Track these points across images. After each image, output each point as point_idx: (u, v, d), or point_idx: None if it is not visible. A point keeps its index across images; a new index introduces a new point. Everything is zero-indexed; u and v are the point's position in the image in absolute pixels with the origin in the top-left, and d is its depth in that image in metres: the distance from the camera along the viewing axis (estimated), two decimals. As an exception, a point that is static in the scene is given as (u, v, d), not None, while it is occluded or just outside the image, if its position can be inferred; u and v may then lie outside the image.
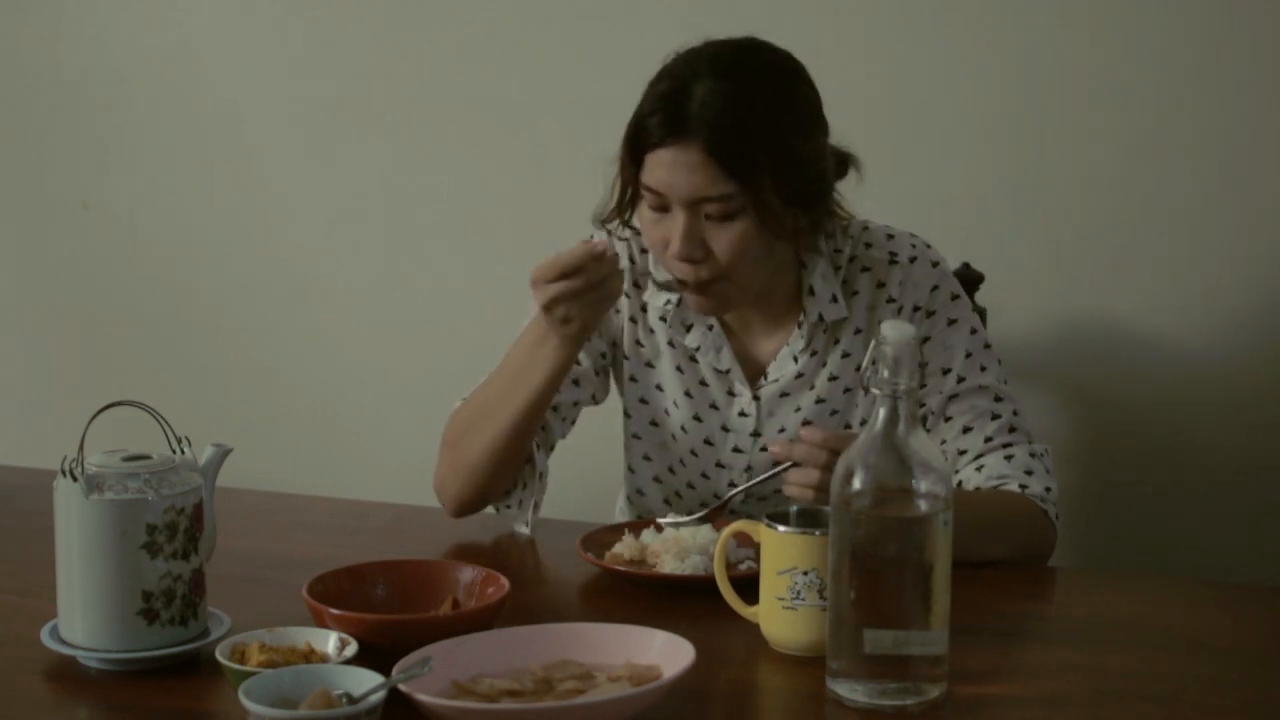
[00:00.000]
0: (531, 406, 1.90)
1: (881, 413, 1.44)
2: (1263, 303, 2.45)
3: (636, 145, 1.86)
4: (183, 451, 1.59)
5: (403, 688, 1.36)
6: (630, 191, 1.90)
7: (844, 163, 1.95)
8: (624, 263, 2.04)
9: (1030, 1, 2.49)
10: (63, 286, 3.17)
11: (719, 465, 2.05)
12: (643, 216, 1.90)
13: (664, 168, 1.83)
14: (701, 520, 1.87)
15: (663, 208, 1.86)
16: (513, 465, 1.96)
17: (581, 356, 2.03)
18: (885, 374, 1.44)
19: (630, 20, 2.69)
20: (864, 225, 2.00)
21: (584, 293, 1.79)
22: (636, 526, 1.88)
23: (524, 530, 1.98)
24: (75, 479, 1.51)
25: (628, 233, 2.04)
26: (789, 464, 1.75)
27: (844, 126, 1.93)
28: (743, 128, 1.81)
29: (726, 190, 1.82)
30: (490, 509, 2.01)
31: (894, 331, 1.44)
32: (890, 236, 1.99)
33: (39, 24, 3.08)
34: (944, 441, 1.94)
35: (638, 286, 2.05)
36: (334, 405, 3.00)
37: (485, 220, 2.85)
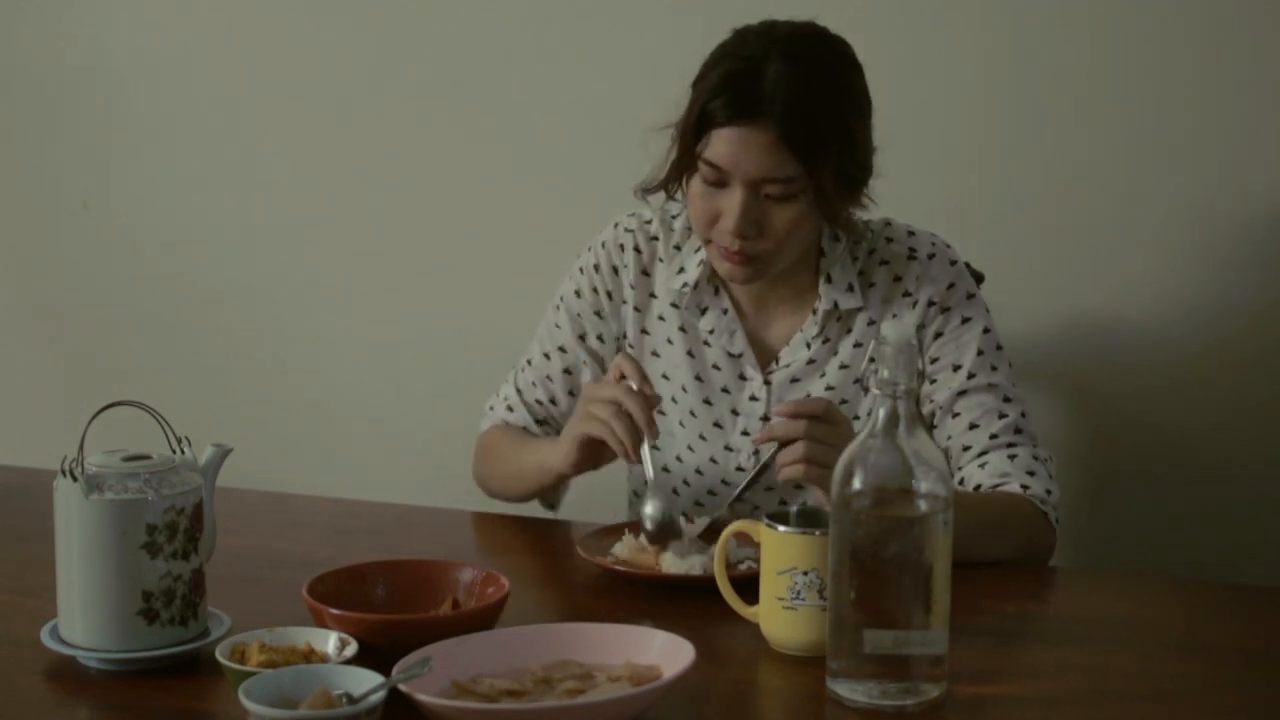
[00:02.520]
0: (540, 489, 2.05)
1: (881, 413, 1.44)
2: (1264, 303, 2.45)
3: (702, 121, 1.86)
4: (183, 451, 1.59)
5: (403, 688, 1.36)
6: (683, 165, 1.91)
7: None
8: (630, 253, 2.06)
9: (1030, 1, 2.49)
10: (63, 286, 3.16)
11: (727, 449, 2.05)
12: (692, 189, 1.91)
13: (731, 145, 1.84)
14: (713, 524, 1.87)
15: (720, 183, 1.87)
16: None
17: (584, 357, 2.10)
18: (885, 374, 1.44)
19: (630, 20, 2.68)
20: (886, 221, 2.02)
21: (620, 418, 1.82)
22: (636, 526, 1.88)
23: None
24: (75, 479, 1.51)
25: (634, 222, 2.07)
26: (776, 449, 1.75)
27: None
28: (813, 112, 1.84)
29: (792, 172, 1.84)
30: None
31: (894, 332, 1.44)
32: (911, 233, 2.02)
33: (39, 24, 3.08)
34: (949, 437, 1.95)
35: (646, 275, 2.06)
36: (334, 405, 3.00)
37: (485, 220, 2.84)
